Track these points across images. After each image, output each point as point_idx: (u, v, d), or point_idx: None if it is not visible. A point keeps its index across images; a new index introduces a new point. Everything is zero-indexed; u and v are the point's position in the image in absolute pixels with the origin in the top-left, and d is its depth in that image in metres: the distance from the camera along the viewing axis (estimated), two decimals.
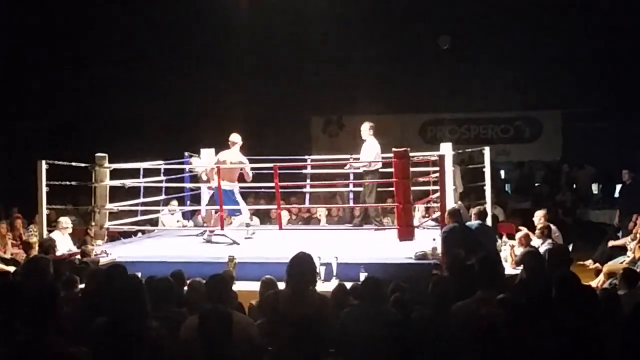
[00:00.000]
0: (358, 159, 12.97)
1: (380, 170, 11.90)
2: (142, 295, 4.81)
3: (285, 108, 20.13)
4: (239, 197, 11.31)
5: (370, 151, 12.04)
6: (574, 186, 18.40)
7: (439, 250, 8.97)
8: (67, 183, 11.18)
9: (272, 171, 10.73)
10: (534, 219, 11.14)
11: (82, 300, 6.40)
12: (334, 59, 19.62)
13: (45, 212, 10.52)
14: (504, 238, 11.05)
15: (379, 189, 12.22)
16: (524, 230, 10.56)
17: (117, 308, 4.74)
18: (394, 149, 10.26)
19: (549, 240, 10.16)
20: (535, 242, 10.14)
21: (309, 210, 14.31)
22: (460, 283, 6.19)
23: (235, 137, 11.43)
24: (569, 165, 19.19)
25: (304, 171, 13.81)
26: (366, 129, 12.21)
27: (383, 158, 11.58)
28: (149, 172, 12.76)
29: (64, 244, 10.85)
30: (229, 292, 5.72)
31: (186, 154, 13.80)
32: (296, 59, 19.67)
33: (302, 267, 5.59)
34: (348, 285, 6.84)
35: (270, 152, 12.32)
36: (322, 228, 13.57)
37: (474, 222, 9.68)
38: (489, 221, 10.86)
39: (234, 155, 11.30)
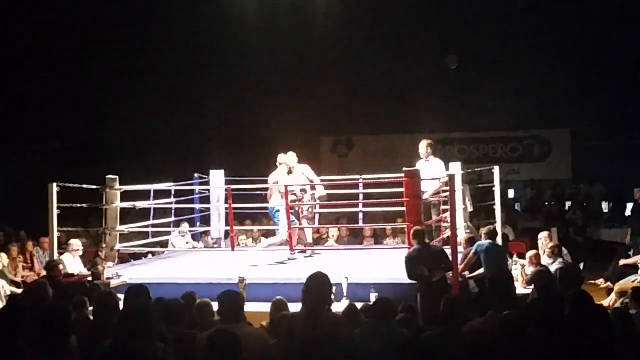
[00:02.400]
0: (368, 179, 12.98)
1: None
2: (148, 316, 4.79)
3: (294, 128, 20.14)
4: (282, 216, 11.20)
5: (435, 173, 11.30)
6: (585, 205, 18.32)
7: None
8: (78, 205, 11.21)
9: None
10: (538, 240, 11.11)
11: (92, 322, 6.41)
12: (342, 79, 19.67)
13: (56, 234, 10.55)
14: (515, 257, 11.01)
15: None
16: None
17: (123, 330, 4.73)
18: (404, 169, 10.25)
19: (560, 260, 10.12)
20: (546, 261, 10.10)
21: (318, 230, 14.29)
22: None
23: (283, 158, 11.63)
24: (578, 184, 19.18)
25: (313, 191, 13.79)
26: (424, 147, 11.54)
27: (393, 178, 11.44)
28: (159, 194, 12.79)
29: (74, 267, 10.87)
30: (242, 309, 5.68)
31: (196, 175, 13.86)
32: (304, 79, 19.71)
33: (317, 287, 5.54)
34: (358, 305, 6.82)
35: None
36: (332, 248, 13.55)
37: (484, 242, 9.63)
38: (499, 241, 10.83)
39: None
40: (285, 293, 6.88)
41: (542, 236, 11.08)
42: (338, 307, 7.60)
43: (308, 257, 11.61)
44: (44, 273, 11.35)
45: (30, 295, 6.85)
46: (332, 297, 5.78)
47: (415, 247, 8.84)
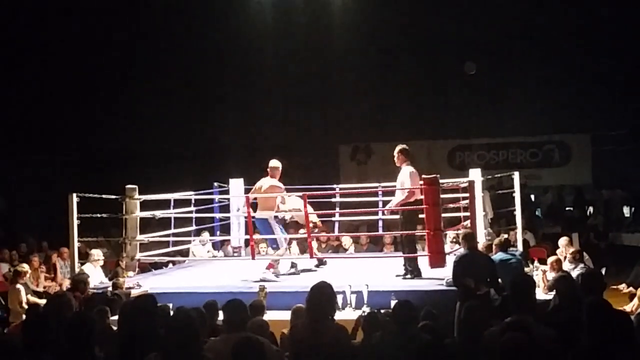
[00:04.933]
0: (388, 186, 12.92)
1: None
2: (194, 326, 4.65)
3: (313, 137, 20.19)
4: (275, 228, 10.63)
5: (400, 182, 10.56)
6: (606, 210, 18.22)
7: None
8: (98, 215, 11.26)
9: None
10: (559, 246, 11.03)
11: (118, 336, 6.35)
12: (360, 87, 19.68)
13: (76, 244, 10.59)
14: (536, 263, 10.94)
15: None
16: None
17: (171, 344, 4.56)
18: (423, 176, 10.20)
19: (581, 265, 10.04)
20: (567, 266, 10.02)
21: (338, 238, 14.27)
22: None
23: (273, 163, 10.75)
24: (599, 189, 19.08)
25: (333, 200, 13.80)
26: (395, 154, 10.72)
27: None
28: (179, 203, 12.82)
29: (95, 276, 10.92)
30: (247, 317, 5.68)
31: (215, 184, 13.88)
32: (323, 87, 19.75)
33: (319, 297, 5.51)
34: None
35: (299, 181, 12.36)
36: (352, 256, 13.52)
37: (496, 256, 9.40)
38: (519, 246, 10.70)
39: (269, 181, 10.65)
40: None
41: (562, 242, 11.01)
42: (347, 315, 7.65)
43: (290, 274, 11.01)
44: (65, 283, 11.47)
45: (53, 306, 6.85)
46: (336, 305, 5.73)
47: (464, 252, 8.71)
